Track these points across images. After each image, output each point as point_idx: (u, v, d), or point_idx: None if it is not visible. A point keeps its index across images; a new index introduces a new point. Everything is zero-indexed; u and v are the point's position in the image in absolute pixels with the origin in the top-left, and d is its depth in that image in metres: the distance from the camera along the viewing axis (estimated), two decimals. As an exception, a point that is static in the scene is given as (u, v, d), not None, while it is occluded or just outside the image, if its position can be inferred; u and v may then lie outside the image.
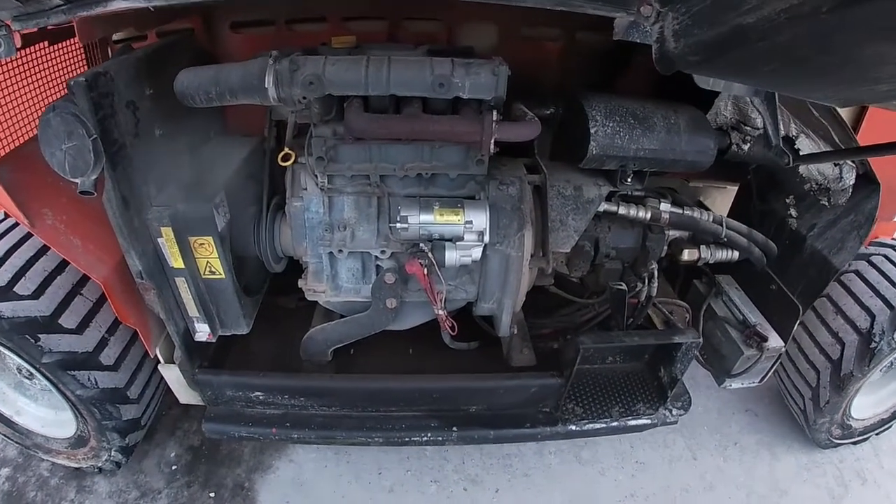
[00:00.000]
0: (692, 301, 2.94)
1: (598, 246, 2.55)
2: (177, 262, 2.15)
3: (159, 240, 2.06)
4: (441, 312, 2.37)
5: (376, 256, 2.36)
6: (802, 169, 2.62)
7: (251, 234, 2.48)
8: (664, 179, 2.89)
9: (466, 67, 1.99)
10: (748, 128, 2.54)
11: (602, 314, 2.80)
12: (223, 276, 2.28)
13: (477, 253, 2.26)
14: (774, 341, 2.59)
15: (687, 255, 2.63)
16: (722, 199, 3.31)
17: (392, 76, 1.96)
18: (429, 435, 2.49)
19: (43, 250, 2.37)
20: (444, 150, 2.21)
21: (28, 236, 2.40)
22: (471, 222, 2.20)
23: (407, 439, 2.51)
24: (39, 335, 2.26)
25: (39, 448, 2.91)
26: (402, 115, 2.08)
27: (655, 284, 2.61)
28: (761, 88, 2.12)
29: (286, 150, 2.21)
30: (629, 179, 2.46)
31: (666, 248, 2.64)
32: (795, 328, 2.61)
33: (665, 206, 2.52)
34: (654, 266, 2.60)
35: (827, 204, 2.56)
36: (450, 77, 1.96)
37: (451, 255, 2.22)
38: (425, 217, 2.19)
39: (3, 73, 2.19)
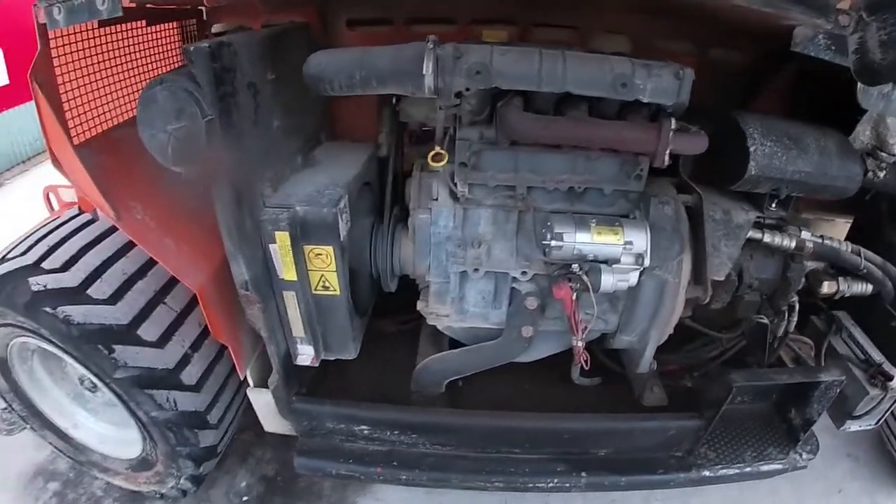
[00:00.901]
0: (810, 338, 2.67)
1: (741, 275, 2.27)
2: (289, 273, 1.87)
3: (272, 246, 1.81)
4: (580, 344, 2.05)
5: (514, 278, 2.04)
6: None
7: (366, 247, 2.16)
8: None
9: (647, 68, 1.73)
10: (884, 154, 2.31)
11: (730, 350, 2.51)
12: (337, 292, 1.98)
13: (634, 278, 1.97)
14: (899, 380, 2.33)
15: (827, 287, 2.36)
16: (829, 232, 3.06)
17: (569, 71, 1.68)
18: (555, 481, 2.20)
19: (123, 250, 2.10)
20: (601, 162, 1.93)
21: (107, 233, 2.13)
22: (630, 243, 1.91)
23: (531, 485, 2.20)
24: (114, 346, 1.97)
25: (95, 466, 2.55)
26: (568, 117, 1.78)
27: (795, 318, 2.33)
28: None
29: (437, 149, 1.89)
30: (774, 205, 2.20)
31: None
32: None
33: (807, 235, 2.26)
34: (795, 298, 2.33)
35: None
36: (632, 77, 1.69)
37: (608, 280, 1.92)
38: (582, 236, 1.89)
39: (97, 47, 1.87)
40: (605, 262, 1.94)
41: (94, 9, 1.41)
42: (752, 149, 2.00)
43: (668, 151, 1.79)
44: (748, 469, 2.34)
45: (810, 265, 2.38)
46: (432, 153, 1.89)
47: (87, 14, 1.42)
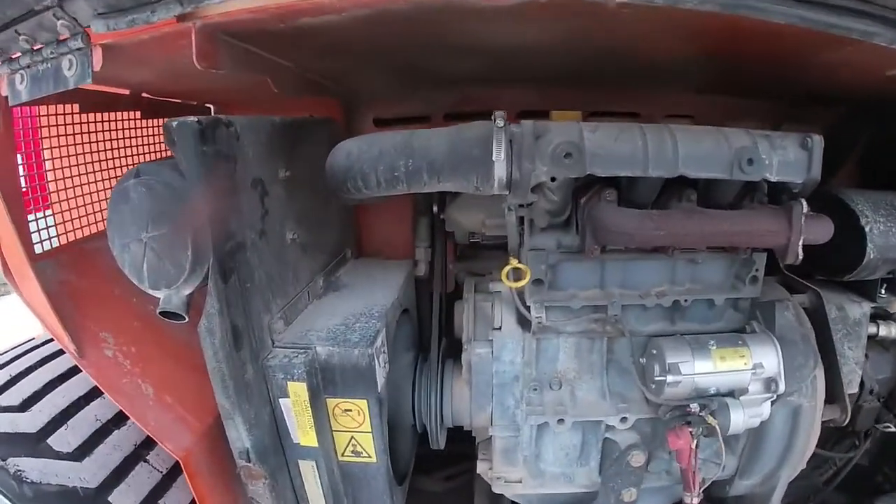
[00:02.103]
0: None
1: (861, 381, 1.79)
2: (306, 437, 1.39)
3: (283, 401, 1.35)
4: (696, 500, 1.49)
5: (607, 426, 1.48)
6: None
7: (407, 393, 1.61)
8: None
9: (769, 140, 1.29)
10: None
11: (844, 469, 1.99)
12: (373, 459, 1.46)
13: (767, 409, 1.45)
14: None
15: (947, 377, 1.91)
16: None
17: (682, 149, 1.22)
18: None
19: (97, 391, 1.64)
20: (708, 266, 1.47)
21: (76, 368, 1.65)
22: (760, 366, 1.40)
23: None
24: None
25: None
26: (681, 211, 1.30)
27: (922, 422, 1.86)
28: None
29: (514, 262, 1.36)
30: (884, 290, 1.76)
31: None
32: None
33: None
34: (920, 398, 1.86)
35: None
36: (756, 150, 1.24)
37: (738, 418, 1.39)
38: (702, 364, 1.38)
39: (76, 135, 1.53)
40: (731, 393, 1.42)
41: (60, 76, 1.07)
42: (867, 228, 1.58)
43: (801, 243, 1.31)
44: None
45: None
46: (508, 268, 1.36)
47: (53, 83, 1.09)
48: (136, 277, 1.16)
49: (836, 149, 2.04)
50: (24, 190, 1.36)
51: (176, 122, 1.07)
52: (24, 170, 1.40)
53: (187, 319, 1.19)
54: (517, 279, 1.36)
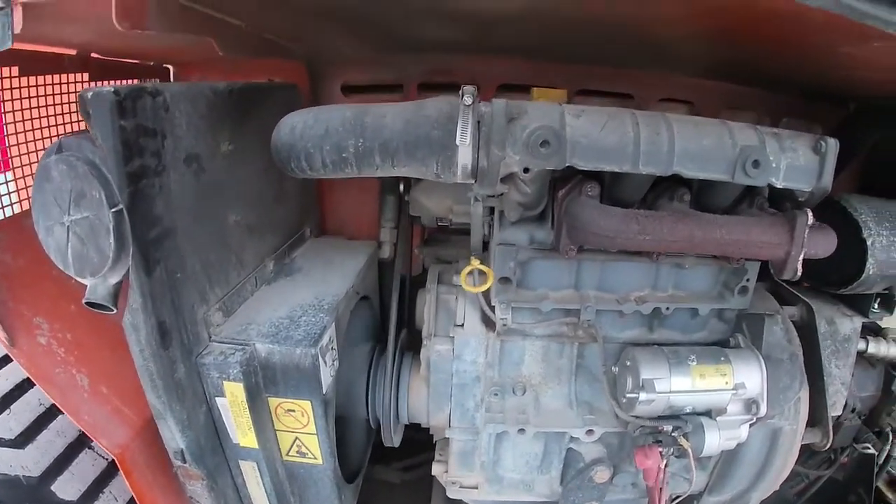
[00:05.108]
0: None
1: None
2: (245, 438, 1.21)
3: (219, 400, 1.17)
4: (662, 522, 1.30)
5: (571, 437, 1.28)
6: None
7: (362, 388, 1.42)
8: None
9: (778, 140, 1.06)
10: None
11: (816, 483, 1.81)
12: (319, 460, 1.28)
13: (744, 432, 1.25)
14: None
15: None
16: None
17: (678, 144, 0.98)
18: None
19: None
20: (695, 273, 1.25)
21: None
22: (742, 385, 1.19)
23: None
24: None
25: None
26: (671, 214, 1.07)
27: (903, 439, 1.68)
28: None
29: (475, 262, 1.14)
30: (877, 304, 1.55)
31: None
32: None
33: None
34: (903, 416, 1.68)
35: None
36: (764, 151, 1.01)
37: (713, 440, 1.20)
38: (679, 381, 1.17)
39: (15, 101, 1.33)
40: (708, 413, 1.22)
41: None
42: (869, 241, 1.37)
43: (801, 257, 1.09)
44: None
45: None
46: (468, 269, 1.14)
47: None
48: (61, 263, 1.00)
49: (841, 149, 1.81)
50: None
51: (91, 93, 0.87)
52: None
53: (115, 311, 1.00)
54: (479, 283, 1.14)
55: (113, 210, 0.91)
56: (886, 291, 1.51)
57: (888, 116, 1.61)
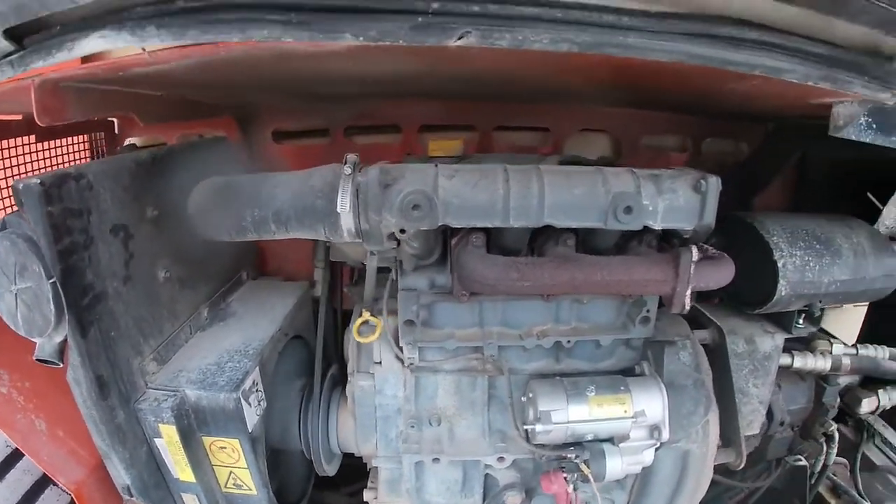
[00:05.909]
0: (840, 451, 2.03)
1: (770, 414, 1.61)
2: (183, 473, 1.30)
3: (157, 440, 1.25)
4: (581, 542, 1.35)
5: (486, 464, 1.35)
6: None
7: (295, 420, 1.49)
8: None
9: (656, 182, 1.10)
10: (913, 237, 1.71)
11: (755, 494, 1.84)
12: (254, 491, 1.35)
13: (649, 456, 1.29)
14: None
15: (867, 405, 1.75)
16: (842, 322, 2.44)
17: (549, 197, 1.03)
18: None
19: None
20: (595, 306, 1.29)
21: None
22: (642, 413, 1.24)
23: None
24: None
25: None
26: (551, 259, 1.12)
27: (835, 449, 1.70)
28: None
29: (366, 315, 1.21)
30: (802, 320, 1.56)
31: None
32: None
33: (841, 349, 1.64)
34: (833, 427, 1.69)
35: None
36: (637, 196, 1.05)
37: (615, 466, 1.25)
38: (577, 411, 1.22)
39: None
40: (610, 439, 1.27)
41: None
42: (780, 263, 1.40)
43: (689, 292, 1.13)
44: None
45: (842, 380, 1.75)
46: (359, 321, 1.21)
47: None
48: (13, 325, 1.09)
49: (763, 165, 1.83)
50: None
51: (22, 185, 0.96)
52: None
53: (61, 365, 1.10)
54: (368, 335, 1.21)
55: (50, 282, 1.01)
56: (806, 309, 1.53)
57: (808, 135, 1.63)
